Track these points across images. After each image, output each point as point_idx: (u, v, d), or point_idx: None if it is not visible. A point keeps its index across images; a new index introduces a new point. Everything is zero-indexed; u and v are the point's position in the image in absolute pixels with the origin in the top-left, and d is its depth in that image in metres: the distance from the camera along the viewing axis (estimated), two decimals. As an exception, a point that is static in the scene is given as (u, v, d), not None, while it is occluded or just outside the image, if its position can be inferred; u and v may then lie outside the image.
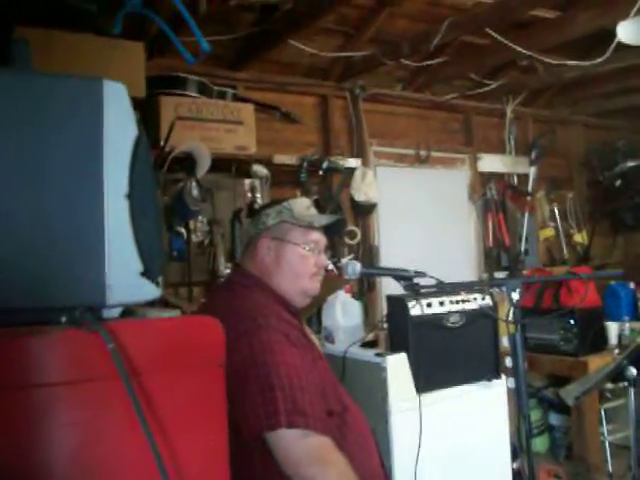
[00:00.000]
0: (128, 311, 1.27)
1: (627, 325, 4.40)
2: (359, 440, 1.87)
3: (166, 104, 3.65)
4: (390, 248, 4.86)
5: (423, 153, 5.15)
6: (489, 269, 5.52)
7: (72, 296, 1.15)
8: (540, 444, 4.82)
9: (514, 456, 3.07)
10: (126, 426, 1.13)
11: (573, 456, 4.47)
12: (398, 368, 2.58)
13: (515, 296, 1.76)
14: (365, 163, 4.72)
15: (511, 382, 1.77)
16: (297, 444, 1.64)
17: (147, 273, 1.20)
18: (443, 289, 2.48)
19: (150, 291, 1.24)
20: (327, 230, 2.06)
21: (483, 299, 2.83)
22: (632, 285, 4.85)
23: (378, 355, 2.63)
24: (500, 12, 3.67)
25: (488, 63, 4.79)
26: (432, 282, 2.01)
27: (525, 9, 3.69)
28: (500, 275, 5.48)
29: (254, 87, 4.38)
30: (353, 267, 2.08)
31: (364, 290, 4.66)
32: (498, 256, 5.54)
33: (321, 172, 4.42)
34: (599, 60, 4.10)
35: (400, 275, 2.03)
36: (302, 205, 2.04)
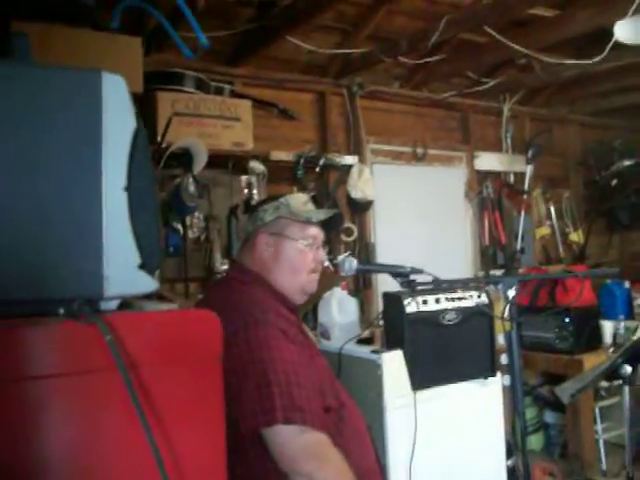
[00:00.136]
0: (125, 304, 1.27)
1: (622, 324, 4.41)
2: (355, 436, 1.87)
3: (163, 100, 3.64)
4: (386, 245, 4.86)
5: (420, 151, 5.15)
6: (485, 267, 5.53)
7: (70, 288, 1.15)
8: (535, 442, 4.83)
9: (509, 454, 3.08)
10: (123, 418, 1.13)
11: (568, 454, 4.49)
12: (394, 365, 2.59)
13: (511, 293, 1.77)
14: (362, 160, 4.72)
15: (507, 379, 1.78)
16: (293, 440, 1.64)
17: (145, 266, 1.20)
18: (439, 286, 2.48)
19: (148, 284, 1.24)
20: (324, 225, 2.06)
21: (479, 297, 2.84)
22: (627, 284, 4.86)
23: (374, 352, 2.63)
24: (499, 10, 3.67)
25: (486, 61, 4.79)
26: (429, 279, 2.01)
27: (524, 7, 3.69)
28: (496, 273, 5.48)
29: (251, 83, 4.37)
30: (350, 263, 2.08)
31: (360, 287, 4.67)
32: (494, 254, 5.55)
33: (318, 169, 4.42)
34: (597, 59, 4.10)
35: (397, 272, 2.03)
36: (299, 200, 2.04)
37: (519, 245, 5.60)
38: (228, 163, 3.99)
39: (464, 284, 2.92)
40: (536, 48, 4.27)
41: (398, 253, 4.55)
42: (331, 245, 4.35)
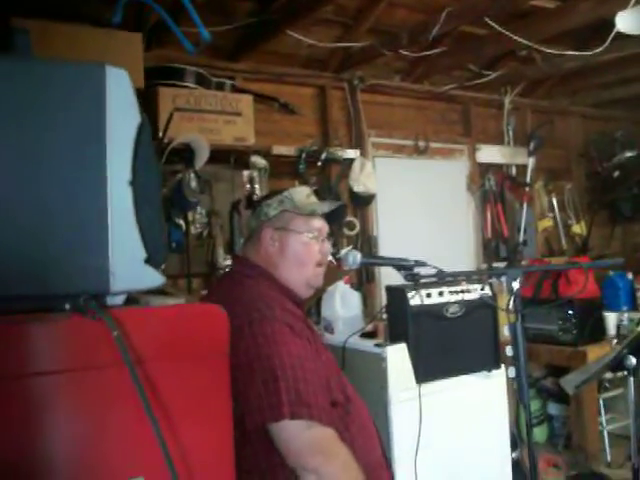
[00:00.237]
0: (131, 299, 1.26)
1: (625, 315, 4.42)
2: (362, 431, 1.87)
3: (164, 95, 3.64)
4: (389, 239, 4.86)
5: (422, 144, 5.14)
6: (488, 260, 5.52)
7: (76, 283, 1.14)
8: (539, 434, 4.83)
9: (513, 446, 3.08)
10: (131, 414, 1.12)
11: (572, 445, 4.50)
12: (398, 358, 2.59)
13: (516, 285, 1.76)
14: (364, 154, 4.71)
15: (512, 372, 1.77)
16: (300, 435, 1.64)
17: (151, 260, 1.19)
18: (443, 278, 2.48)
19: (154, 278, 1.23)
20: (328, 217, 2.06)
21: (482, 289, 2.84)
22: (630, 275, 4.86)
23: (378, 345, 2.63)
24: (500, 2, 3.65)
25: (487, 54, 4.77)
26: (432, 272, 2.00)
27: (525, -2, 3.69)
28: (499, 266, 5.48)
29: (252, 78, 4.36)
30: (354, 257, 2.08)
31: (363, 281, 4.67)
32: (497, 247, 5.54)
33: (320, 163, 4.40)
34: (598, 50, 4.09)
35: (400, 265, 2.03)
36: (302, 194, 2.04)
37: (521, 237, 5.59)
38: (230, 158, 3.98)
39: (468, 277, 2.92)
40: (537, 40, 4.25)
41: (400, 246, 4.54)
42: (334, 239, 4.35)
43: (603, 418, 4.45)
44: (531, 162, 5.68)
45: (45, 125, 1.14)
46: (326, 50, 4.47)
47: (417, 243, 4.72)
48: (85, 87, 1.17)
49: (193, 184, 3.69)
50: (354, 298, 3.12)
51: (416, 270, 2.00)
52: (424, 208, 5.12)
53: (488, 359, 2.83)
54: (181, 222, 3.82)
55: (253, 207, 2.09)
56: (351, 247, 4.54)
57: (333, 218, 2.10)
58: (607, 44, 3.95)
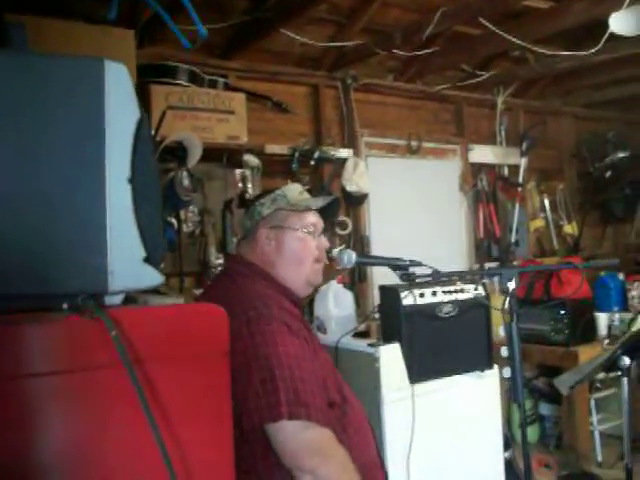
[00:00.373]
0: (129, 298, 1.24)
1: (617, 316, 4.44)
2: (358, 431, 1.86)
3: (157, 93, 3.62)
4: (381, 238, 4.85)
5: (414, 144, 5.14)
6: (480, 260, 5.53)
7: (73, 282, 1.12)
8: (530, 434, 4.85)
9: (506, 446, 3.08)
10: (129, 415, 1.10)
11: (563, 445, 4.51)
12: (391, 358, 2.58)
13: (511, 286, 1.76)
14: (356, 153, 4.70)
15: (507, 372, 1.77)
16: (297, 436, 1.63)
17: (150, 259, 1.17)
18: (439, 279, 2.47)
19: (153, 277, 1.21)
20: (322, 213, 2.05)
21: (476, 289, 2.84)
22: (621, 276, 4.88)
23: (371, 345, 2.63)
24: (494, 1, 3.65)
25: (480, 53, 4.77)
26: (427, 271, 2.00)
27: (519, -1, 3.69)
28: (491, 266, 5.49)
29: (245, 76, 4.35)
30: (349, 256, 2.07)
31: (355, 280, 4.66)
32: (489, 247, 5.54)
33: (312, 162, 4.39)
34: (592, 51, 4.09)
35: (396, 264, 2.02)
36: (295, 191, 2.03)
37: (513, 237, 5.60)
38: (222, 157, 3.97)
39: (463, 276, 2.92)
40: (531, 40, 4.26)
41: (392, 246, 4.53)
42: (329, 235, 4.34)
43: (594, 418, 4.47)
44: (523, 162, 5.69)
45: (43, 120, 1.12)
46: (319, 49, 4.46)
47: (409, 243, 4.72)
48: (84, 82, 1.15)
49: (185, 182, 3.67)
50: (347, 298, 3.11)
51: (411, 270, 1.99)
52: (416, 208, 5.12)
53: (481, 359, 2.83)
54: (173, 221, 3.80)
55: (246, 207, 2.08)
56: (343, 246, 4.54)
57: (327, 214, 2.09)
58: (601, 45, 3.95)
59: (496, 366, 2.87)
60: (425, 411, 2.56)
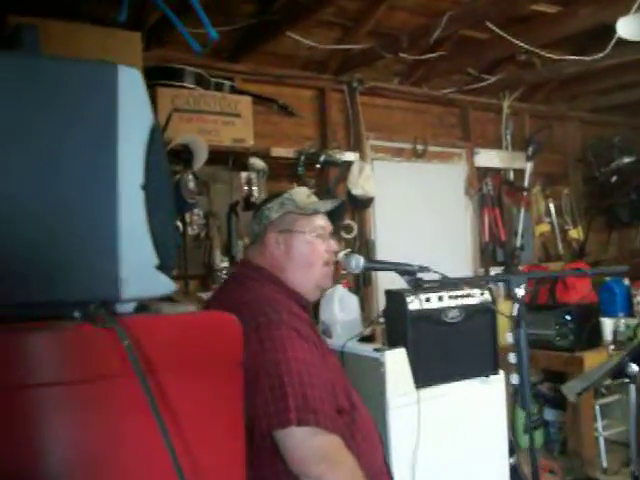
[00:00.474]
0: (141, 306, 1.23)
1: (622, 321, 4.41)
2: (366, 438, 1.85)
3: (163, 95, 3.62)
4: (386, 242, 4.84)
5: (420, 147, 5.13)
6: (485, 264, 5.51)
7: (85, 290, 1.11)
8: (534, 438, 4.82)
9: (511, 452, 3.07)
10: (141, 426, 1.09)
11: (568, 451, 4.48)
12: (397, 363, 2.57)
13: (520, 292, 1.75)
14: (362, 157, 4.70)
15: (514, 378, 1.76)
16: (306, 442, 1.61)
17: (163, 266, 1.16)
18: (447, 285, 2.47)
19: (166, 285, 1.19)
20: (329, 216, 2.05)
21: (482, 294, 2.83)
22: (627, 281, 4.86)
23: (377, 350, 2.62)
24: (501, 6, 3.65)
25: (486, 57, 4.76)
26: (435, 277, 1.99)
27: (526, 3, 3.67)
28: (496, 270, 5.48)
29: (251, 79, 4.35)
30: (357, 261, 2.06)
31: (360, 284, 4.65)
32: (494, 251, 5.53)
33: (318, 165, 4.39)
34: (599, 56, 4.08)
35: (404, 270, 2.01)
36: (303, 194, 2.03)
37: (519, 242, 5.58)
38: (228, 159, 3.97)
39: (472, 282, 2.91)
40: (537, 44, 4.25)
41: (398, 250, 4.54)
42: (338, 237, 4.33)
43: (599, 424, 4.44)
44: (529, 167, 5.68)
45: (55, 126, 1.10)
46: (326, 52, 4.46)
47: (414, 246, 4.71)
48: (97, 87, 1.14)
49: (191, 185, 3.67)
50: (352, 302, 3.11)
51: (419, 275, 1.98)
52: (422, 212, 5.11)
53: (487, 364, 2.82)
54: (178, 223, 3.79)
55: (254, 211, 2.07)
56: (349, 250, 4.52)
57: (334, 217, 2.08)
58: (608, 50, 3.94)
59: (502, 371, 2.85)
60: (431, 416, 2.54)
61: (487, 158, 5.60)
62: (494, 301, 2.90)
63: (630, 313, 4.64)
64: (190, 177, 3.66)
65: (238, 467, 1.26)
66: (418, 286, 1.97)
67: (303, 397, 1.62)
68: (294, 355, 1.67)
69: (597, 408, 4.45)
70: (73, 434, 1.09)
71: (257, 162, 4.03)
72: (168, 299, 1.27)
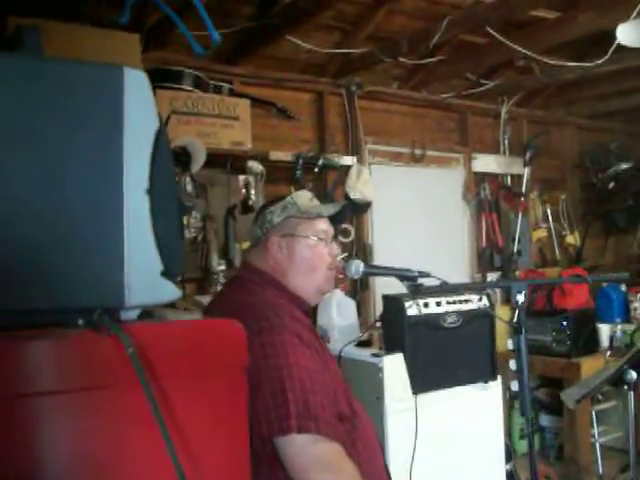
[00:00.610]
0: (146, 312, 1.21)
1: (619, 327, 4.41)
2: (367, 446, 1.84)
3: (162, 98, 3.61)
4: (384, 246, 4.84)
5: (418, 152, 5.13)
6: (482, 269, 5.51)
7: (89, 297, 1.09)
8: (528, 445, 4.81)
9: (508, 457, 3.06)
10: (145, 434, 1.07)
11: (564, 457, 4.48)
12: (394, 368, 2.56)
13: (520, 298, 1.74)
14: (360, 161, 4.70)
15: (515, 385, 1.75)
16: (306, 450, 1.60)
17: (167, 273, 1.14)
18: (447, 291, 2.46)
19: (170, 292, 1.17)
20: (330, 219, 2.04)
21: (480, 300, 2.82)
22: (623, 287, 4.86)
23: (374, 355, 2.61)
24: (501, 11, 3.65)
25: (485, 63, 4.77)
26: (435, 282, 1.98)
27: (526, 9, 3.67)
28: (493, 276, 5.48)
29: (250, 82, 4.34)
30: (356, 266, 2.05)
31: (357, 289, 4.64)
32: (491, 256, 5.53)
33: (316, 169, 4.38)
34: (599, 62, 4.09)
35: (404, 275, 2.00)
36: (305, 198, 2.01)
37: (516, 247, 5.58)
38: (226, 162, 3.96)
39: (472, 288, 2.90)
40: (536, 50, 4.25)
41: (395, 255, 4.54)
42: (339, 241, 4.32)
43: (595, 430, 4.44)
44: (526, 172, 5.67)
45: (59, 129, 1.09)
46: (324, 56, 4.45)
47: (412, 251, 4.71)
48: (102, 90, 1.12)
49: (189, 188, 3.66)
50: (350, 306, 3.10)
51: (419, 281, 1.97)
52: (419, 216, 5.11)
53: (485, 370, 2.81)
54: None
55: (256, 215, 2.05)
56: (346, 254, 4.51)
57: (336, 220, 2.07)
58: (608, 56, 3.94)
59: (500, 377, 2.85)
60: (428, 422, 2.53)
61: (485, 163, 5.61)
62: (492, 306, 2.89)
63: (627, 319, 4.65)
64: (188, 180, 3.65)
65: (242, 475, 1.25)
66: (419, 292, 1.95)
67: (304, 404, 1.60)
68: (296, 361, 1.66)
69: (593, 414, 4.45)
70: (76, 443, 1.07)
71: (255, 165, 4.02)
72: (170, 305, 1.25)
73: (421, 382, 2.59)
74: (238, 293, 1.91)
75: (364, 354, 2.66)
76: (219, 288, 3.81)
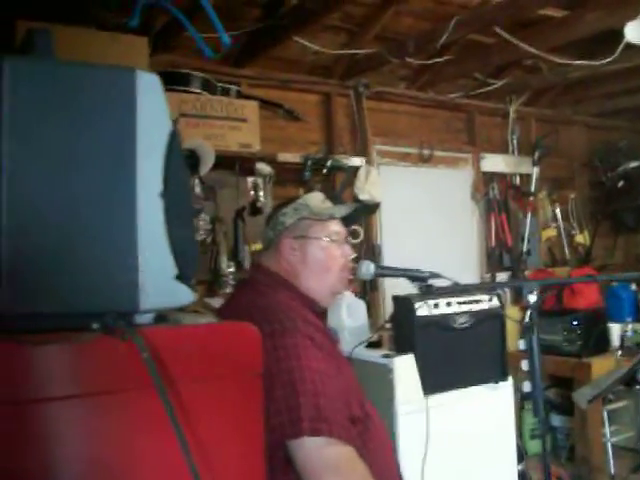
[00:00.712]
0: (160, 316, 1.20)
1: (629, 326, 4.39)
2: (379, 448, 1.83)
3: (170, 101, 3.56)
4: (392, 247, 4.83)
5: (426, 152, 5.12)
6: (491, 269, 5.50)
7: (103, 300, 1.08)
8: (541, 446, 4.79)
9: (520, 458, 3.05)
10: (160, 439, 1.06)
11: (575, 458, 4.45)
12: (405, 369, 2.56)
13: (532, 298, 1.73)
14: (368, 162, 4.69)
15: (527, 386, 1.74)
16: (319, 453, 1.59)
17: (182, 276, 1.13)
18: (458, 291, 2.46)
19: (185, 295, 1.17)
20: (344, 221, 2.03)
21: (490, 300, 2.82)
22: (634, 286, 4.84)
23: (385, 356, 2.61)
24: (509, 10, 3.63)
25: (493, 62, 4.75)
26: (446, 283, 1.97)
27: (534, 7, 3.66)
28: (502, 276, 5.46)
29: (257, 84, 4.35)
30: (367, 267, 2.05)
31: (367, 290, 4.63)
32: (500, 256, 5.52)
33: (325, 171, 4.39)
34: (607, 60, 4.07)
35: (415, 276, 2.00)
36: (318, 199, 2.01)
37: (525, 247, 5.57)
38: (235, 165, 3.96)
39: (483, 288, 2.89)
40: (544, 49, 4.24)
41: (404, 255, 4.54)
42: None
43: (607, 430, 4.42)
44: (535, 171, 5.66)
45: (72, 132, 1.08)
46: (332, 57, 4.45)
47: (421, 252, 4.70)
48: (115, 93, 1.11)
49: (197, 190, 3.67)
50: (360, 308, 3.10)
51: (430, 282, 1.97)
52: (428, 217, 5.10)
53: (496, 371, 2.81)
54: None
55: (268, 217, 2.05)
56: (355, 255, 4.50)
57: (348, 222, 2.07)
58: (617, 54, 3.92)
59: (510, 378, 2.84)
60: (439, 423, 2.53)
61: (493, 163, 5.59)
62: (503, 307, 2.89)
63: (637, 318, 4.62)
64: (196, 182, 3.66)
65: (258, 476, 1.24)
66: (430, 293, 1.95)
67: (316, 407, 1.59)
68: (308, 364, 1.65)
69: (605, 414, 4.43)
70: (90, 448, 1.07)
71: (264, 167, 4.03)
72: (179, 308, 1.25)
73: (432, 383, 2.59)
74: (249, 294, 1.90)
75: (374, 355, 2.66)
76: (228, 290, 3.82)
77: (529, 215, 5.63)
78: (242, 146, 3.87)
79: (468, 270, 5.36)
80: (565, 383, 4.48)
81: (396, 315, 2.77)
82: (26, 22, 2.82)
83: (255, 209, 4.03)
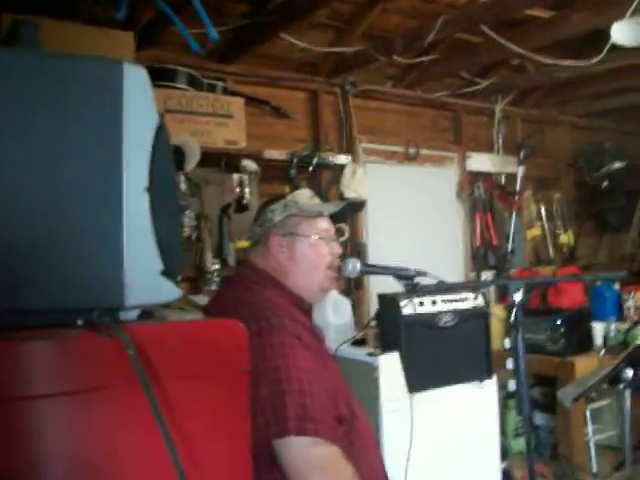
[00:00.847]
0: (146, 313, 1.19)
1: (613, 326, 4.41)
2: (365, 446, 1.82)
3: (155, 96, 3.58)
4: (378, 246, 4.83)
5: (412, 151, 5.12)
6: (476, 268, 5.52)
7: (88, 296, 1.06)
8: (524, 444, 4.81)
9: (503, 456, 3.07)
10: (146, 436, 1.05)
11: (558, 456, 4.48)
12: (390, 368, 2.57)
13: (518, 297, 1.73)
14: (354, 160, 4.69)
15: (512, 384, 1.75)
16: (304, 453, 1.58)
17: (167, 272, 1.12)
18: (444, 290, 2.46)
19: (170, 291, 1.15)
20: (332, 218, 2.02)
21: (475, 299, 2.82)
22: (617, 286, 4.86)
23: (370, 354, 2.61)
24: (495, 10, 3.64)
25: (480, 61, 4.76)
26: (432, 282, 1.97)
27: (520, 7, 3.67)
28: (487, 274, 5.48)
29: (244, 81, 4.33)
30: (353, 265, 2.04)
31: (352, 288, 4.63)
32: (485, 255, 5.53)
33: (311, 168, 4.38)
34: (594, 61, 4.09)
35: (401, 274, 1.99)
36: (306, 196, 2.00)
37: (510, 246, 5.59)
38: (220, 161, 3.94)
39: (468, 287, 2.90)
40: (531, 49, 4.25)
41: (389, 253, 4.53)
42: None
43: (590, 428, 4.44)
44: (520, 171, 5.68)
45: (57, 125, 1.07)
46: (319, 54, 4.44)
47: (406, 250, 4.71)
48: (101, 85, 1.10)
49: (183, 187, 3.65)
50: (345, 306, 3.10)
51: (416, 280, 1.97)
52: (413, 215, 5.10)
53: (480, 369, 2.82)
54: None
55: (256, 213, 2.03)
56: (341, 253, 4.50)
57: (337, 219, 2.06)
58: (603, 55, 3.94)
59: (495, 376, 2.85)
60: (424, 421, 2.53)
61: (479, 162, 5.61)
62: (487, 305, 2.90)
63: (620, 317, 4.65)
64: (182, 179, 3.64)
65: (243, 478, 1.23)
66: (416, 291, 1.95)
67: (302, 406, 1.59)
68: (295, 363, 1.64)
69: (587, 413, 4.45)
70: (75, 446, 1.06)
71: (249, 164, 4.01)
72: (165, 305, 1.23)
73: (417, 381, 2.59)
74: (237, 292, 1.89)
75: (359, 353, 2.66)
76: (213, 288, 3.81)
77: (514, 214, 5.66)
78: (228, 143, 3.85)
79: (453, 269, 5.37)
80: (549, 382, 4.50)
81: (381, 313, 2.77)
82: (12, 15, 2.79)
83: (240, 206, 4.01)
